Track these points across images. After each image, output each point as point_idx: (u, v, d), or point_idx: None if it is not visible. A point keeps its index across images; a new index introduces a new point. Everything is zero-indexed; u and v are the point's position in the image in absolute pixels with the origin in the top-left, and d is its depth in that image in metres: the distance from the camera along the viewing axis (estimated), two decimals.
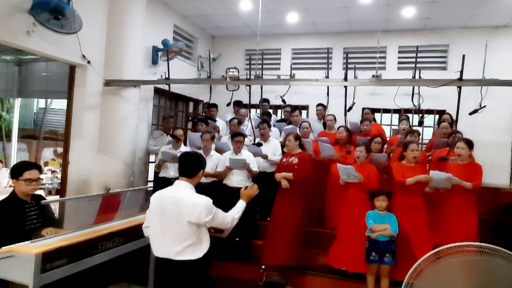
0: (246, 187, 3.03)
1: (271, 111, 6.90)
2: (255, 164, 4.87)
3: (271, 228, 4.55)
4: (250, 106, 5.38)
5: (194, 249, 2.55)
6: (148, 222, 2.70)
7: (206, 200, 2.53)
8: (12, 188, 2.87)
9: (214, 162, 4.98)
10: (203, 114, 6.94)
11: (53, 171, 9.54)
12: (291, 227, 4.38)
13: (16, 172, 2.80)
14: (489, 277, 2.17)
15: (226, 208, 2.85)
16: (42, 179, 8.49)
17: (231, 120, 5.74)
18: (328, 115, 5.80)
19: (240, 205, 2.88)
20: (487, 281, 2.16)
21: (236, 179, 4.76)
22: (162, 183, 4.51)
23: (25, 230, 2.70)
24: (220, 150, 5.28)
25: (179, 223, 2.52)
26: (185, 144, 5.86)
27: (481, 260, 2.16)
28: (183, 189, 2.61)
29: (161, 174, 5.17)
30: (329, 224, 4.98)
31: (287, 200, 4.47)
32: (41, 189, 8.75)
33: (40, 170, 2.99)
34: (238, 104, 6.28)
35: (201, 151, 4.99)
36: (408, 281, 1.98)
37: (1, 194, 3.24)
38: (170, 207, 2.54)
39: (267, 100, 6.46)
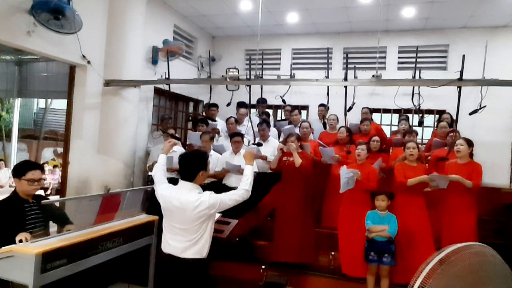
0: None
1: (270, 111, 6.88)
2: (255, 166, 4.85)
3: (277, 226, 4.53)
4: (250, 106, 5.38)
5: (198, 248, 2.57)
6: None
7: (209, 197, 2.54)
8: (14, 188, 2.88)
9: (214, 162, 4.96)
10: (203, 114, 6.93)
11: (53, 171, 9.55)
12: (298, 223, 4.37)
13: (19, 171, 2.80)
14: (492, 277, 2.16)
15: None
16: (45, 179, 8.52)
17: (228, 118, 5.71)
18: (331, 115, 5.79)
19: (248, 171, 2.72)
20: (489, 282, 2.16)
21: (236, 179, 4.74)
22: None
23: (26, 230, 2.70)
24: (216, 152, 5.26)
25: (184, 224, 2.54)
26: (184, 144, 5.84)
27: (484, 261, 2.15)
28: (187, 191, 2.60)
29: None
30: (325, 224, 4.97)
31: (289, 198, 4.46)
32: (45, 188, 8.76)
33: (43, 170, 3.00)
34: (239, 105, 6.27)
35: None
36: (412, 285, 1.97)
37: (2, 193, 3.24)
38: (175, 208, 2.55)
39: (264, 100, 6.46)
